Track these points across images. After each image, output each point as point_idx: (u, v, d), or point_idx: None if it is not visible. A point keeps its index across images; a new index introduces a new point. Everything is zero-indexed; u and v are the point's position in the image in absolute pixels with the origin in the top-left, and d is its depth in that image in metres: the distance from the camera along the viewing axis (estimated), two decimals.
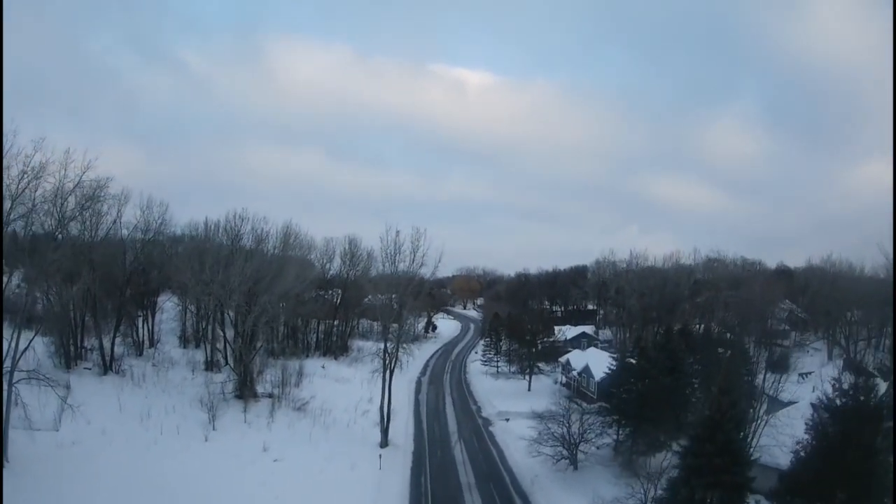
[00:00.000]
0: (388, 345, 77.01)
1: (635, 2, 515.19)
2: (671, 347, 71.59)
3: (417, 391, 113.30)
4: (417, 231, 76.78)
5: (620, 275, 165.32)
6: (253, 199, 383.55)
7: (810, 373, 74.39)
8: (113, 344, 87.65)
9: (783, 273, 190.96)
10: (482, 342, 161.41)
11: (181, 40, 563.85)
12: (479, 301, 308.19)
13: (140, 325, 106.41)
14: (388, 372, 76.11)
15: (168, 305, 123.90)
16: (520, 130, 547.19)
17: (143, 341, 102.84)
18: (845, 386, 40.35)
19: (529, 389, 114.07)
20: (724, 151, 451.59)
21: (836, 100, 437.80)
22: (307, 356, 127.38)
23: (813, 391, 63.03)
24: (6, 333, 56.22)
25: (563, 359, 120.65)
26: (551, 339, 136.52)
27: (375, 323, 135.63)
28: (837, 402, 40.07)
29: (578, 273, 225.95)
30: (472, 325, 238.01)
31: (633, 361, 70.29)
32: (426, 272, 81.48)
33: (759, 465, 46.28)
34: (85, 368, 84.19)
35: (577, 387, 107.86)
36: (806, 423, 46.22)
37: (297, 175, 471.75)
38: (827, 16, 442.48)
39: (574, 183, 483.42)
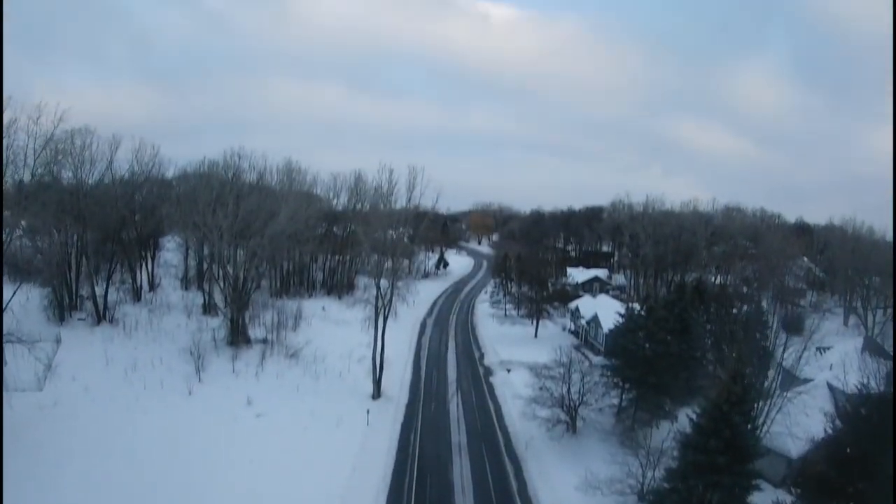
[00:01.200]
0: (380, 291, 73.06)
1: None
2: (683, 305, 67.28)
3: (421, 334, 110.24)
4: (414, 169, 76.11)
5: (636, 219, 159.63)
6: (274, 135, 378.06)
7: (829, 348, 69.74)
8: (106, 292, 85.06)
9: (802, 229, 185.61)
10: (492, 282, 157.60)
11: None
12: (495, 237, 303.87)
13: (140, 270, 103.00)
14: (381, 318, 72.64)
15: (171, 246, 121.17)
16: (544, 66, 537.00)
17: (141, 286, 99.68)
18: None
19: (536, 336, 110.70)
20: (750, 100, 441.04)
21: (868, 58, 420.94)
22: (310, 295, 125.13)
23: (831, 368, 59.36)
24: None
25: (572, 305, 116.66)
26: (562, 283, 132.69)
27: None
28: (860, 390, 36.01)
29: (594, 213, 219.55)
30: (485, 263, 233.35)
31: (643, 313, 66.16)
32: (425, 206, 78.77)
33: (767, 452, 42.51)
34: (79, 319, 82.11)
35: (584, 336, 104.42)
36: (824, 414, 42.68)
37: (319, 109, 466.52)
38: None
39: (597, 121, 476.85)
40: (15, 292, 68.27)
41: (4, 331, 55.79)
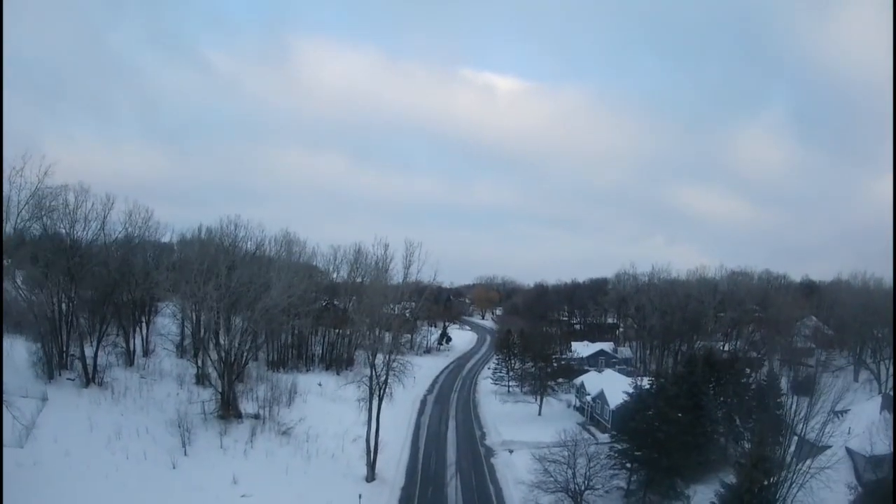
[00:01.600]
0: (375, 369, 70.00)
1: (666, 7, 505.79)
2: (693, 380, 64.28)
3: (420, 412, 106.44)
4: (411, 244, 76.31)
5: (642, 290, 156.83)
6: (277, 202, 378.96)
7: (846, 411, 66.30)
8: (96, 354, 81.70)
9: (809, 287, 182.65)
10: (495, 358, 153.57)
11: (205, 37, 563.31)
12: (499, 311, 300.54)
13: (134, 334, 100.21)
14: (376, 397, 69.43)
15: (169, 311, 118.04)
16: (547, 137, 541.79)
17: (134, 351, 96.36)
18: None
19: (540, 413, 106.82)
20: (751, 161, 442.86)
21: (866, 109, 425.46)
22: (308, 370, 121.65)
23: (849, 432, 56.19)
24: None
25: (577, 381, 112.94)
26: (566, 358, 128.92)
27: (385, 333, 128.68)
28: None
29: (598, 286, 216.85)
30: (488, 337, 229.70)
31: (652, 390, 63.04)
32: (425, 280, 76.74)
33: None
34: (67, 379, 78.84)
35: (590, 412, 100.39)
36: (848, 486, 39.49)
37: (322, 178, 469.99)
38: (857, 24, 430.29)
39: (600, 190, 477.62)
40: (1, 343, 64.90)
41: None
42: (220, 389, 77.28)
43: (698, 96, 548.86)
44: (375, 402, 69.07)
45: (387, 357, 71.34)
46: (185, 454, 62.79)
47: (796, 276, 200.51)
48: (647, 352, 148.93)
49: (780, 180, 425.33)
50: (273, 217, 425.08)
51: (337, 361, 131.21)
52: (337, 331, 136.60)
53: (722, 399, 66.91)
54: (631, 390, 70.96)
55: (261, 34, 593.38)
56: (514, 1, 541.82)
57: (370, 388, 69.11)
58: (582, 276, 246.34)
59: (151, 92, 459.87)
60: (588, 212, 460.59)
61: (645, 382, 72.80)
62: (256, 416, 77.65)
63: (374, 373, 69.32)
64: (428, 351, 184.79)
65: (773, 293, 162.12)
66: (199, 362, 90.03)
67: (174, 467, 59.86)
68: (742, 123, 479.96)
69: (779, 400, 60.12)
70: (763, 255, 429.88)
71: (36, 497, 48.37)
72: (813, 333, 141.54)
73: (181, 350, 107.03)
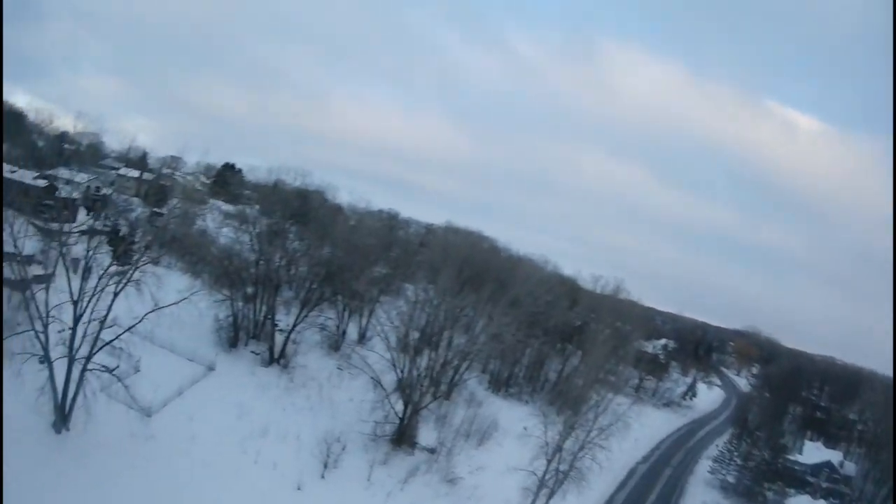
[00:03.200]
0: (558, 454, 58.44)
1: None
2: None
3: (621, 485, 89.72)
4: None
5: None
6: (569, 201, 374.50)
7: None
8: (290, 333, 78.63)
9: None
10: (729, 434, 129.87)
11: (508, 21, 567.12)
12: (755, 369, 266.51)
13: (358, 315, 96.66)
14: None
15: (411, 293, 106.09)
16: (843, 188, 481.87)
17: (344, 335, 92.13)
18: None
19: None
20: None
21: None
22: (528, 401, 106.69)
23: None
24: None
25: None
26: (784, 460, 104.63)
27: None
28: None
29: (867, 378, 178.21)
30: (734, 402, 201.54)
31: None
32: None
33: None
34: (252, 352, 77.03)
35: None
36: None
37: (620, 187, 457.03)
38: None
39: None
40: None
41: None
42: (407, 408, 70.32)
43: None
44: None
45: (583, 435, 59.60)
46: (322, 476, 57.32)
47: None
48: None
49: None
50: (563, 214, 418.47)
51: (564, 398, 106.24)
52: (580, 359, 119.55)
53: None
54: None
55: (564, 27, 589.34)
56: (816, 35, 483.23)
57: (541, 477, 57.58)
58: (858, 358, 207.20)
59: (449, 68, 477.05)
60: (871, 279, 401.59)
61: None
62: (432, 451, 69.92)
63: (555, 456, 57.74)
64: (667, 404, 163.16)
65: None
66: (403, 370, 76.60)
67: (299, 489, 54.57)
68: None
69: None
70: None
71: (125, 472, 46.13)
72: None
73: (405, 347, 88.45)
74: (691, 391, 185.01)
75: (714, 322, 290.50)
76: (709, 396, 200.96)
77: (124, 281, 50.22)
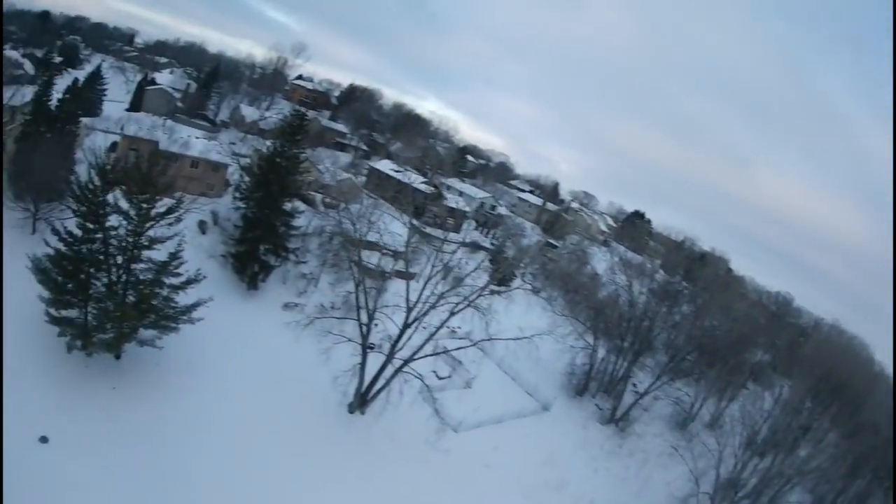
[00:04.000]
0: None
1: None
2: None
3: None
4: None
5: None
6: None
7: None
8: (641, 396, 73.36)
9: None
10: None
11: None
12: None
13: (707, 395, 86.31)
14: None
15: None
16: None
17: (693, 413, 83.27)
18: None
19: None
20: None
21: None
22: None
23: None
24: None
25: None
26: None
27: None
28: None
29: None
30: None
31: None
32: None
33: None
34: (597, 405, 73.46)
35: None
36: None
37: None
38: None
39: None
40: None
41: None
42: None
43: None
44: None
45: None
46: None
47: None
48: None
49: None
50: None
51: None
52: None
53: None
54: None
55: None
56: None
57: None
58: None
59: (860, 145, 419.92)
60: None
61: None
62: None
63: None
64: None
65: None
66: (731, 471, 65.33)
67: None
68: None
69: None
70: None
71: (406, 469, 46.60)
72: None
73: (748, 443, 77.69)
74: None
75: None
76: None
77: (465, 302, 49.86)
